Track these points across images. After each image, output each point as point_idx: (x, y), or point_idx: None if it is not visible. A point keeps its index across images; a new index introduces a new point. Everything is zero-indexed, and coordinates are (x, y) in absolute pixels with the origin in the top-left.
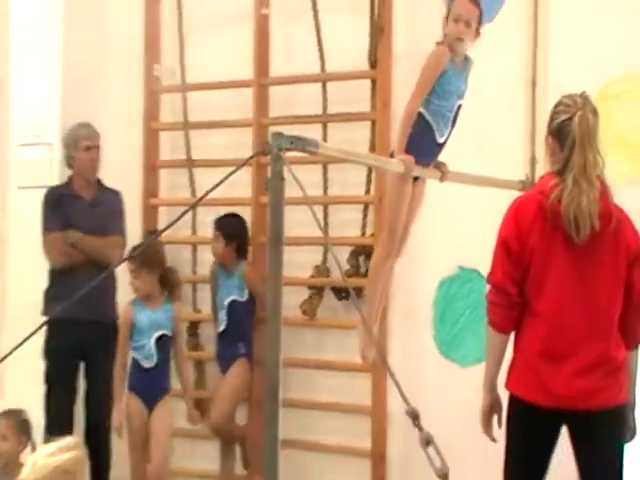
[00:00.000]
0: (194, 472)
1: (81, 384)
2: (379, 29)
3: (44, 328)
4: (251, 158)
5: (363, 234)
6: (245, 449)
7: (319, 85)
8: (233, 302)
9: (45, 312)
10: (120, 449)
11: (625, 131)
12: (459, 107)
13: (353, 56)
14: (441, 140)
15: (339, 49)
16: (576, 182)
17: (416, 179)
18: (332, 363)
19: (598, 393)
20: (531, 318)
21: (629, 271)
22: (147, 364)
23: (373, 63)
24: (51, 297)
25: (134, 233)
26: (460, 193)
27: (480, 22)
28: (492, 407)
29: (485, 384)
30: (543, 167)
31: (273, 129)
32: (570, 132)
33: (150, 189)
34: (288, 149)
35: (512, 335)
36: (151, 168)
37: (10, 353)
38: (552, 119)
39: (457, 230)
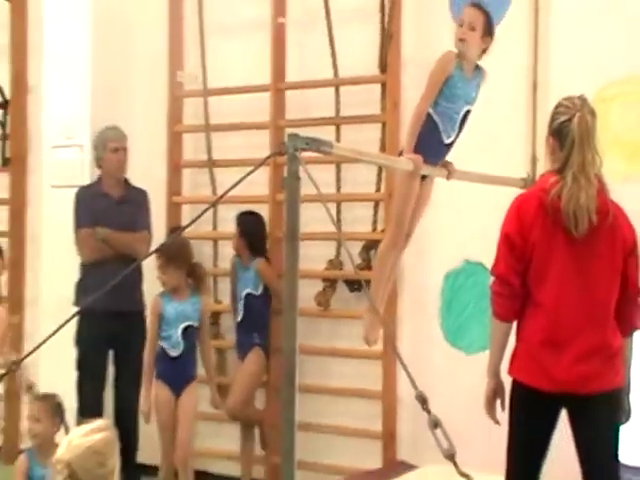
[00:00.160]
0: (218, 452)
1: (110, 371)
2: (388, 36)
3: (75, 318)
4: (268, 158)
5: (374, 229)
6: (263, 431)
7: (332, 89)
8: (248, 295)
9: (76, 303)
10: (147, 431)
11: (621, 131)
12: (467, 112)
13: (364, 61)
14: (448, 141)
15: (351, 55)
16: (575, 179)
17: (424, 177)
18: (345, 351)
19: (596, 378)
20: (533, 308)
21: (625, 263)
22: (174, 353)
23: (383, 68)
24: (82, 289)
25: (159, 229)
26: (466, 191)
27: (489, 27)
28: (496, 392)
29: (489, 370)
30: (544, 166)
31: (289, 131)
32: (569, 132)
33: (174, 188)
34: (303, 149)
35: (515, 324)
36: (175, 168)
37: (44, 342)
38: (552, 120)
39: (463, 225)
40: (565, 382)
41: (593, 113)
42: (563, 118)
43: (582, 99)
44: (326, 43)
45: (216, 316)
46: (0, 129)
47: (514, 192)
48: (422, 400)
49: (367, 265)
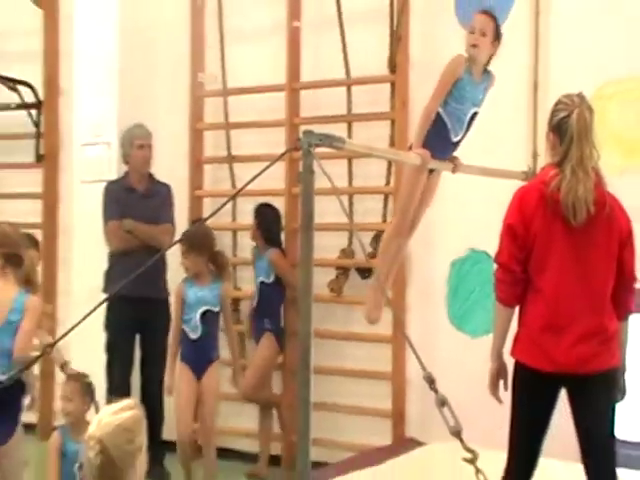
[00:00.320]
0: (239, 430)
1: (137, 354)
2: (397, 38)
3: (105, 305)
4: (284, 154)
5: (384, 221)
6: (281, 412)
7: (344, 88)
8: (261, 283)
9: (105, 290)
10: (172, 410)
11: (619, 128)
12: (475, 114)
13: (374, 62)
14: (455, 139)
15: (362, 56)
16: (574, 172)
17: (431, 172)
18: (357, 335)
19: (594, 358)
20: (534, 294)
21: (621, 251)
22: (193, 335)
23: (392, 68)
24: (110, 277)
25: (182, 221)
26: (470, 184)
27: (497, 32)
28: (499, 372)
29: (493, 352)
30: (544, 160)
31: (304, 128)
32: (568, 128)
33: (196, 182)
34: (317, 145)
35: (517, 309)
36: (196, 164)
37: (75, 326)
38: (552, 116)
39: (468, 216)
40: (565, 364)
41: (591, 110)
42: (562, 114)
43: (580, 96)
44: (338, 45)
45: (236, 302)
46: (34, 128)
47: (516, 185)
48: (430, 380)
49: (377, 254)
